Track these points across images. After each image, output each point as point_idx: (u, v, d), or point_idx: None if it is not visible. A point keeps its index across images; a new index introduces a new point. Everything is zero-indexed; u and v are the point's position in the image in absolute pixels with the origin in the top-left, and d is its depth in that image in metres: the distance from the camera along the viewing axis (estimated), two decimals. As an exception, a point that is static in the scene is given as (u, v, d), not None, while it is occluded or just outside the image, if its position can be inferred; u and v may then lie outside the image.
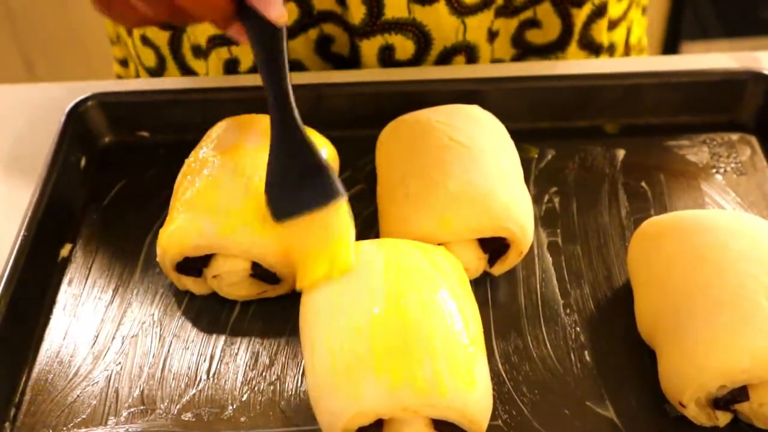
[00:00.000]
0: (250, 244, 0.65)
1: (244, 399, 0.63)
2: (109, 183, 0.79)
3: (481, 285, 0.69)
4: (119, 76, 1.05)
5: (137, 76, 1.00)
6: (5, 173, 0.81)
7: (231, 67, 0.89)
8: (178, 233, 0.66)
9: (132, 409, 0.62)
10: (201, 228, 0.65)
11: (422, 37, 0.85)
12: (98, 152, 0.82)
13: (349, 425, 0.55)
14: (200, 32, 0.88)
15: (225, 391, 0.63)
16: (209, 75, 0.90)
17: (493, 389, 0.61)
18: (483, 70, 0.87)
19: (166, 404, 0.62)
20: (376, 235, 0.72)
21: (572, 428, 0.60)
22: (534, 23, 0.89)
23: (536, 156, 0.80)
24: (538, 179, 0.78)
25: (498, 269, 0.69)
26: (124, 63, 1.03)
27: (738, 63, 0.87)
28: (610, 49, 0.94)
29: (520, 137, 0.76)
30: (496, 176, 0.68)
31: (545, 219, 0.75)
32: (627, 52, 0.97)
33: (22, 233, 0.69)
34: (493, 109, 0.76)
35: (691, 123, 0.82)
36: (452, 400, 0.55)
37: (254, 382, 0.64)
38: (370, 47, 0.85)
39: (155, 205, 0.76)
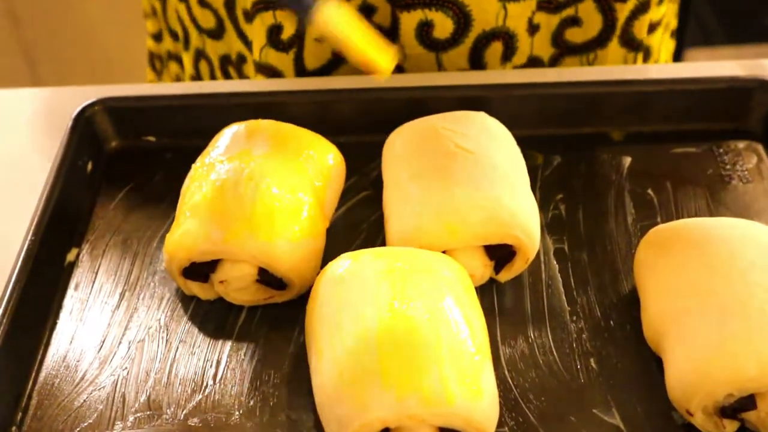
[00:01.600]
0: (256, 250, 0.65)
1: (250, 404, 0.63)
2: (115, 187, 0.79)
3: (487, 292, 0.69)
4: (151, 52, 1.05)
5: (169, 54, 0.99)
6: (12, 178, 0.81)
7: (274, 33, 0.88)
8: (185, 238, 0.66)
9: (138, 414, 0.62)
10: (208, 233, 0.65)
11: (462, 17, 0.85)
12: (105, 157, 0.82)
13: (356, 433, 0.55)
14: None
15: (231, 396, 0.63)
16: (254, 42, 0.90)
17: (500, 396, 0.61)
18: (489, 76, 0.88)
19: (172, 409, 0.62)
20: (382, 242, 0.72)
21: (579, 436, 0.60)
22: (575, 21, 0.89)
23: (542, 163, 0.80)
24: (544, 186, 0.78)
25: (504, 276, 0.69)
26: (157, 37, 1.02)
27: (744, 70, 0.87)
28: (647, 53, 0.94)
29: (526, 144, 0.76)
30: (502, 183, 0.68)
31: (551, 226, 0.75)
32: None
33: (28, 238, 0.69)
34: (499, 115, 0.76)
35: (697, 130, 0.82)
36: (459, 409, 0.55)
37: (261, 388, 0.64)
38: (410, 21, 0.85)
39: (162, 209, 0.77)
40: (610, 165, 0.80)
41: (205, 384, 0.64)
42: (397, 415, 0.54)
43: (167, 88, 0.90)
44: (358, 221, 0.76)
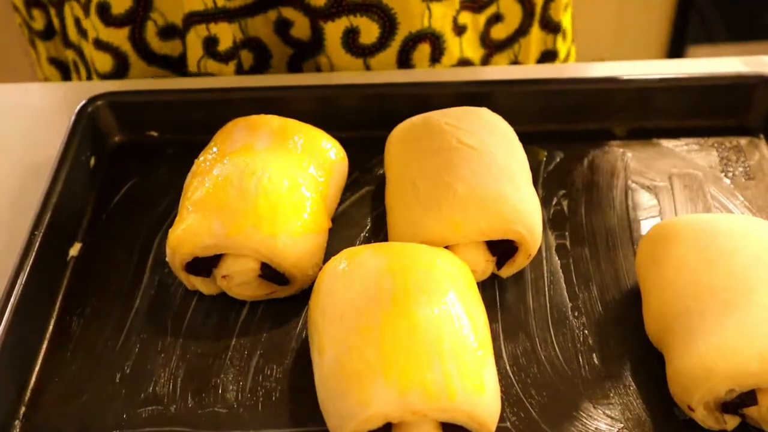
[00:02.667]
0: (259, 245, 0.65)
1: (253, 399, 0.63)
2: (118, 182, 0.79)
3: (489, 287, 0.69)
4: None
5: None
6: (15, 172, 0.82)
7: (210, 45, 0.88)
8: (188, 233, 0.66)
9: (141, 409, 0.62)
10: (210, 228, 0.66)
11: (388, 20, 0.86)
12: (108, 152, 0.82)
13: (358, 428, 0.55)
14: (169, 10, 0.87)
15: (234, 390, 0.63)
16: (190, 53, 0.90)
17: (502, 391, 0.61)
18: (492, 72, 0.88)
19: (175, 404, 0.62)
20: (385, 237, 0.72)
21: (580, 431, 0.60)
22: (498, 18, 0.92)
23: (545, 158, 0.80)
24: (546, 182, 0.78)
25: (506, 272, 0.70)
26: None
27: (747, 67, 0.87)
28: (564, 34, 0.98)
29: (528, 140, 0.76)
30: (504, 179, 0.68)
31: (553, 221, 0.75)
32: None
33: (32, 232, 0.69)
34: (502, 111, 0.76)
35: (699, 126, 0.82)
36: (461, 404, 0.55)
37: (263, 383, 0.64)
38: (335, 30, 0.85)
39: (165, 204, 0.77)
40: (612, 161, 0.80)
41: (208, 378, 0.64)
42: (400, 410, 0.54)
43: (170, 83, 0.90)
44: (360, 216, 0.76)
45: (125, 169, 0.81)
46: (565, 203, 0.76)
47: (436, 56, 0.89)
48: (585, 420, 0.61)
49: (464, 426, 0.56)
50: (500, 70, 0.88)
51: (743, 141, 0.81)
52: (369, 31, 0.86)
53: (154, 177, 0.80)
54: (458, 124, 0.72)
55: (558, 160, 0.80)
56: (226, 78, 0.90)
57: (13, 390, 0.63)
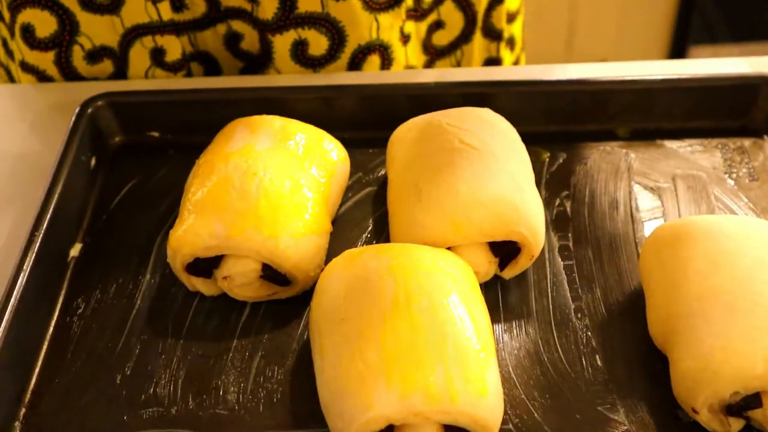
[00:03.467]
0: (260, 246, 0.65)
1: (254, 401, 0.62)
2: (119, 183, 0.79)
3: (491, 288, 0.69)
4: None
5: None
6: (16, 173, 0.81)
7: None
8: (189, 234, 0.66)
9: (142, 411, 0.62)
10: (211, 229, 0.65)
11: (336, 33, 0.86)
12: (108, 152, 0.82)
13: (360, 431, 0.55)
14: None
15: (235, 392, 0.63)
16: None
17: (504, 393, 0.61)
18: (494, 73, 0.87)
19: (176, 405, 0.62)
20: (387, 238, 0.72)
21: (583, 433, 0.60)
22: (439, 24, 0.93)
23: (547, 159, 0.80)
24: (549, 183, 0.78)
25: (509, 273, 0.69)
26: None
27: (750, 68, 0.87)
28: (511, 43, 0.99)
29: (531, 140, 0.76)
30: (507, 180, 0.68)
31: (556, 223, 0.74)
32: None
33: (32, 232, 0.69)
34: (504, 112, 0.76)
35: (703, 128, 0.82)
36: (464, 406, 0.54)
37: (264, 384, 0.63)
38: (283, 42, 0.86)
39: (165, 205, 0.76)
40: (615, 162, 0.80)
41: (209, 380, 0.64)
42: (402, 412, 0.54)
43: (171, 83, 0.89)
44: (362, 217, 0.75)
45: (126, 169, 0.81)
46: (567, 204, 0.76)
47: (385, 66, 0.90)
48: (588, 422, 0.60)
49: (466, 428, 0.56)
50: (503, 71, 0.88)
51: (747, 142, 0.81)
52: (318, 43, 0.86)
53: (154, 178, 0.80)
54: (460, 124, 0.72)
55: (561, 161, 0.80)
56: (227, 78, 0.90)
57: (13, 391, 0.63)
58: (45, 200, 0.71)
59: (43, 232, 0.69)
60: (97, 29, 0.85)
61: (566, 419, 0.61)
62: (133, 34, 0.85)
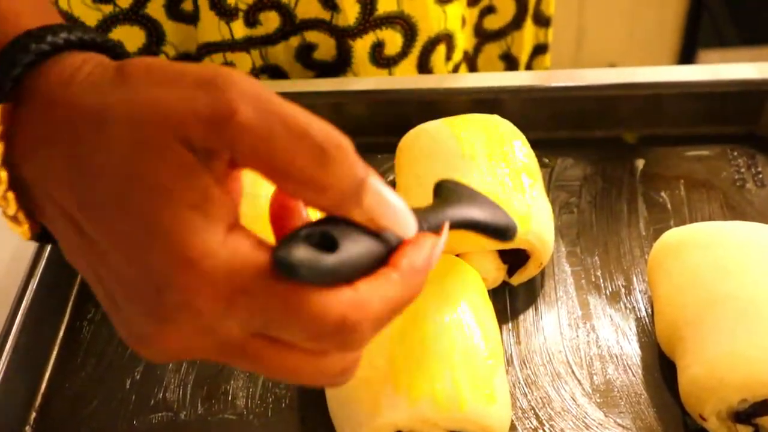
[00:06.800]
0: (269, 251, 0.65)
1: (262, 406, 0.63)
2: (129, 188, 0.79)
3: (500, 295, 0.69)
4: None
5: None
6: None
7: None
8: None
9: (152, 415, 0.62)
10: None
11: (409, 30, 0.86)
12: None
13: (368, 436, 0.55)
14: None
15: (244, 397, 0.63)
16: None
17: (512, 400, 0.61)
18: (502, 79, 0.87)
19: (185, 410, 0.63)
20: (395, 243, 0.72)
21: (591, 440, 0.60)
22: (490, 9, 0.93)
23: (555, 166, 0.80)
24: (557, 189, 0.78)
25: (517, 279, 0.69)
26: None
27: (759, 73, 0.87)
28: (547, 23, 0.99)
29: (539, 146, 0.75)
30: (515, 186, 0.68)
31: (564, 229, 0.74)
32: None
33: (43, 238, 0.69)
34: (512, 118, 0.76)
35: (711, 134, 0.82)
36: (472, 413, 0.55)
37: (273, 389, 0.64)
38: (362, 46, 0.86)
39: (175, 210, 0.77)
40: (623, 168, 0.80)
41: (218, 385, 0.64)
42: (410, 419, 0.54)
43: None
44: (370, 223, 0.76)
45: (136, 174, 0.81)
46: (575, 210, 0.76)
47: (449, 54, 0.91)
48: (596, 429, 0.61)
49: (474, 435, 0.56)
50: (510, 76, 0.88)
51: (755, 148, 0.81)
52: (393, 41, 0.87)
53: (164, 183, 0.80)
54: (469, 131, 0.72)
55: (568, 167, 0.80)
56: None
57: (23, 395, 0.63)
58: (56, 205, 0.72)
59: (53, 237, 0.69)
60: (181, 37, 0.86)
61: (574, 426, 0.61)
62: (205, 50, 0.86)
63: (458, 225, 0.49)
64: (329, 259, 0.37)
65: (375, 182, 0.39)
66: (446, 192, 0.51)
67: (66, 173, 0.37)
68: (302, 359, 0.38)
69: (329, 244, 0.37)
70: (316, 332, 0.37)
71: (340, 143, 0.37)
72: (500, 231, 0.53)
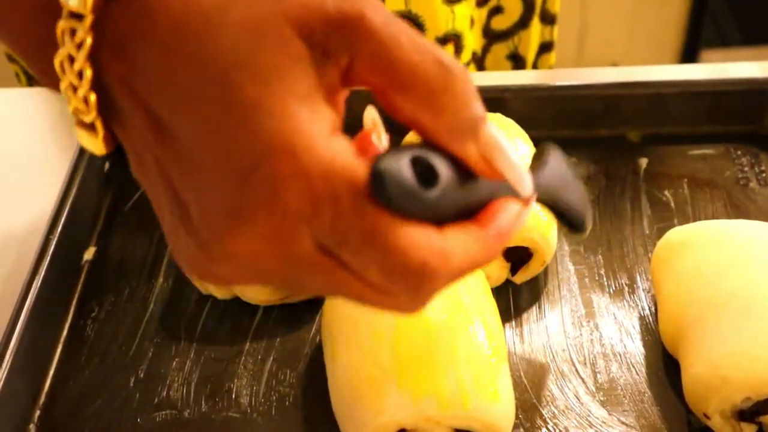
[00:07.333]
0: (273, 250, 0.65)
1: (266, 404, 0.63)
2: (133, 187, 0.79)
3: (503, 293, 0.69)
4: None
5: None
6: (30, 176, 0.82)
7: None
8: (202, 238, 0.66)
9: (155, 414, 0.62)
10: (224, 233, 0.65)
11: (416, 29, 0.86)
12: (122, 156, 0.82)
13: (372, 434, 0.55)
14: None
15: (248, 395, 0.63)
16: None
17: (516, 398, 0.61)
18: (505, 78, 0.87)
19: (189, 408, 0.63)
20: (398, 242, 0.72)
21: (595, 438, 0.60)
22: (498, 9, 0.93)
23: (559, 164, 0.80)
24: (560, 187, 0.78)
25: (520, 278, 0.69)
26: None
27: (762, 72, 0.87)
28: (553, 21, 1.00)
29: (543, 145, 0.76)
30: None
31: (568, 227, 0.74)
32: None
33: (46, 236, 0.69)
34: (515, 116, 0.76)
35: (715, 132, 0.82)
36: (475, 412, 0.55)
37: (277, 387, 0.64)
38: None
39: (178, 209, 0.77)
40: (626, 167, 0.80)
41: (221, 383, 0.64)
42: (414, 417, 0.54)
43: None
44: (373, 222, 0.76)
45: (139, 173, 0.81)
46: (579, 209, 0.76)
47: (457, 55, 0.91)
48: (599, 427, 0.61)
49: (478, 433, 0.56)
50: (514, 75, 0.88)
51: (759, 147, 0.81)
52: None
53: (168, 181, 0.80)
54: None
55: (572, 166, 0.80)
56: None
57: (27, 394, 0.63)
58: (59, 204, 0.72)
59: (57, 235, 0.69)
60: None
61: (578, 424, 0.61)
62: None
63: (543, 200, 0.46)
64: (428, 195, 0.34)
65: (492, 126, 0.37)
66: (546, 156, 0.47)
67: (163, 62, 0.34)
68: (366, 290, 0.36)
69: (428, 178, 0.34)
70: (391, 268, 0.34)
71: (465, 69, 0.36)
72: (578, 222, 0.50)
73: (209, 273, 0.38)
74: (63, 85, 0.37)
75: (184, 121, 0.35)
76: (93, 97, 0.37)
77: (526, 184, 0.38)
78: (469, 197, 0.37)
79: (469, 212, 0.37)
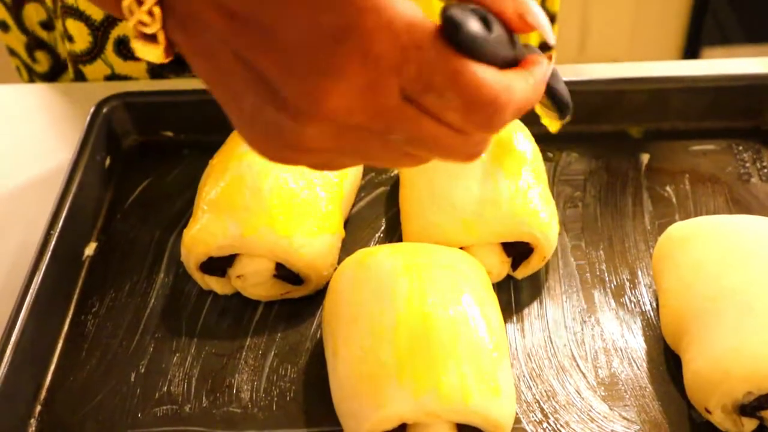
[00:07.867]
0: (273, 245, 0.65)
1: (267, 399, 0.63)
2: (133, 182, 0.80)
3: (504, 288, 0.69)
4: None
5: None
6: (31, 173, 0.82)
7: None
8: (203, 233, 0.66)
9: (156, 409, 0.62)
10: (225, 228, 0.66)
11: None
12: (123, 152, 0.83)
13: (373, 429, 0.55)
14: None
15: (248, 390, 0.63)
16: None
17: (517, 393, 0.61)
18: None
19: (190, 403, 0.63)
20: (399, 238, 0.72)
21: (596, 433, 0.60)
22: None
23: (560, 160, 0.80)
24: (561, 183, 0.78)
25: (521, 273, 0.69)
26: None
27: (764, 68, 0.87)
28: (552, 20, 1.01)
29: (543, 140, 0.75)
30: (519, 179, 0.68)
31: (569, 223, 0.74)
32: None
33: (47, 232, 0.69)
34: (517, 112, 0.76)
35: (716, 128, 0.82)
36: (477, 406, 0.54)
37: (278, 382, 0.64)
38: None
39: (179, 204, 0.77)
40: (628, 162, 0.80)
41: (222, 378, 0.64)
42: (415, 411, 0.54)
43: (186, 83, 0.90)
44: (374, 217, 0.76)
45: (140, 169, 0.81)
46: (580, 205, 0.76)
47: None
48: (601, 422, 0.60)
49: (479, 428, 0.56)
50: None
51: (760, 142, 0.81)
52: None
53: (169, 177, 0.80)
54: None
55: (573, 161, 0.80)
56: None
57: (29, 388, 0.63)
58: (60, 200, 0.72)
59: (58, 231, 0.69)
60: None
61: (579, 419, 0.61)
62: None
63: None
64: (491, 36, 0.40)
65: None
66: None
67: None
68: (445, 132, 0.42)
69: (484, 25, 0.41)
70: (471, 101, 0.40)
71: None
72: (566, 106, 0.58)
73: (299, 146, 0.41)
74: (126, 1, 0.41)
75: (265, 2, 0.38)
76: (158, 10, 0.41)
77: (551, 34, 0.45)
78: (510, 51, 0.43)
79: (510, 65, 0.43)
